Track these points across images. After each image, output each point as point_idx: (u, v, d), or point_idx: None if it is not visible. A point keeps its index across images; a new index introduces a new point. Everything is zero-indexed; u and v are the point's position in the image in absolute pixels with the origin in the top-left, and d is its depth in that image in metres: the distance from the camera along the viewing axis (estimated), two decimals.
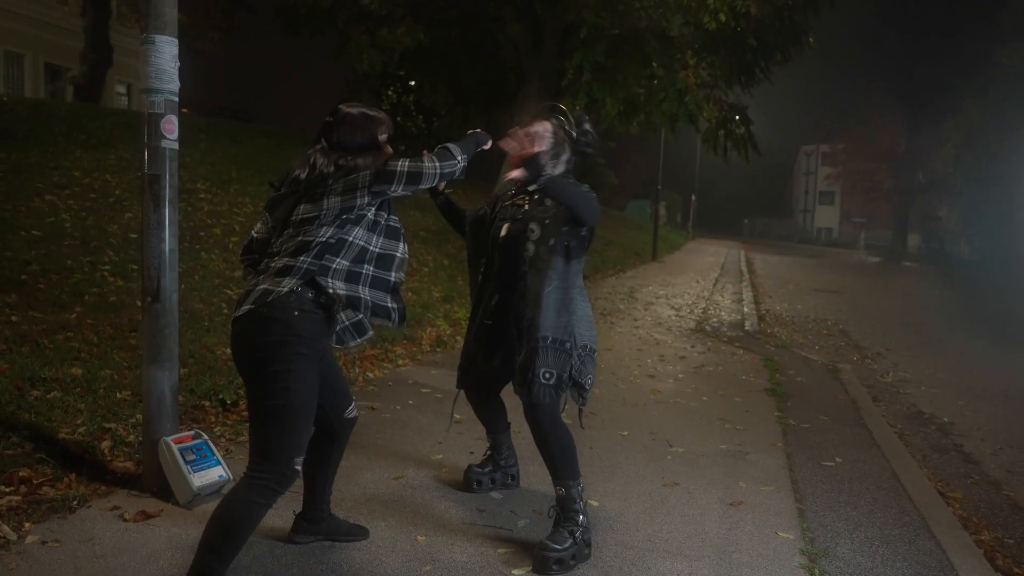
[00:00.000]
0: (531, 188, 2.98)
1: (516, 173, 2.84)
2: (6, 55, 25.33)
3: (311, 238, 2.34)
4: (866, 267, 27.10)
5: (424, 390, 5.27)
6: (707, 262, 21.92)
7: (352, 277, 2.39)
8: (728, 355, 7.65)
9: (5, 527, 2.75)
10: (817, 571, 2.93)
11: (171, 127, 3.12)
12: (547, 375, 2.81)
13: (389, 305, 2.46)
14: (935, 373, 7.89)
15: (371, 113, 2.52)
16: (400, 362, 6.00)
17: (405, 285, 8.42)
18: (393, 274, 2.48)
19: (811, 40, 13.11)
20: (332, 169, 2.35)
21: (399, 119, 27.09)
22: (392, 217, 2.50)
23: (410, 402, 4.95)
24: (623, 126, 14.16)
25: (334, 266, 2.35)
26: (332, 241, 2.34)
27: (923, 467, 4.65)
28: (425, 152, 2.48)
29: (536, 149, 2.87)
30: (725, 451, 4.41)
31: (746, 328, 9.78)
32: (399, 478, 3.62)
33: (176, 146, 3.17)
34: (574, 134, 3.01)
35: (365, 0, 12.11)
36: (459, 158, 2.49)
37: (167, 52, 3.08)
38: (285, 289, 2.28)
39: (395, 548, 2.89)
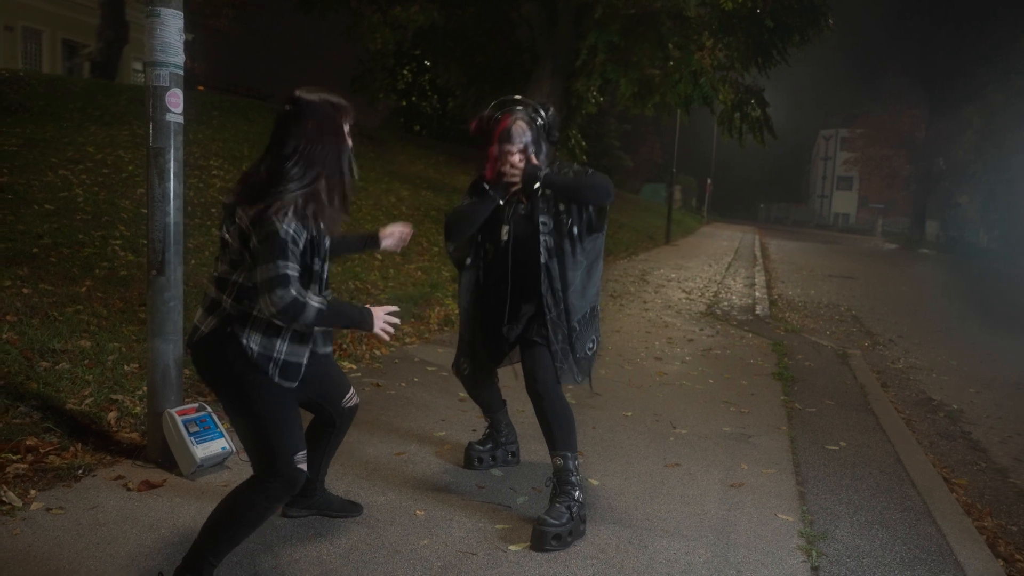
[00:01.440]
0: (534, 188, 2.95)
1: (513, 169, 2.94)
2: (25, 31, 25.45)
3: (230, 275, 2.21)
4: (883, 254, 26.86)
5: (430, 368, 5.29)
6: (721, 246, 21.79)
7: (272, 329, 2.19)
8: (737, 339, 7.62)
9: (11, 494, 2.80)
10: (815, 553, 2.93)
11: (176, 100, 3.12)
12: (590, 347, 3.04)
13: (302, 362, 2.27)
14: (947, 361, 7.83)
15: (334, 101, 2.27)
16: (407, 340, 6.02)
17: (415, 264, 8.46)
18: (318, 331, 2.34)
19: (830, 22, 12.93)
20: (247, 222, 2.12)
21: (414, 99, 27.03)
22: (315, 260, 2.23)
23: (415, 380, 4.97)
24: (637, 108, 14.05)
25: (254, 313, 2.17)
26: (249, 285, 2.16)
27: (929, 453, 4.62)
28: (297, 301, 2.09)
29: (532, 158, 2.96)
30: (728, 433, 4.41)
31: (757, 312, 9.73)
32: (401, 454, 3.64)
33: (181, 119, 3.18)
34: (545, 123, 3.03)
35: None
36: (310, 325, 2.15)
37: (172, 25, 3.08)
38: (207, 331, 2.21)
39: (393, 522, 2.91)
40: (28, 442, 3.19)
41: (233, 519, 2.21)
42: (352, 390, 2.74)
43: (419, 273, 8.24)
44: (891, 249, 30.13)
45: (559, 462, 2.91)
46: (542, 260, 2.95)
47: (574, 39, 13.14)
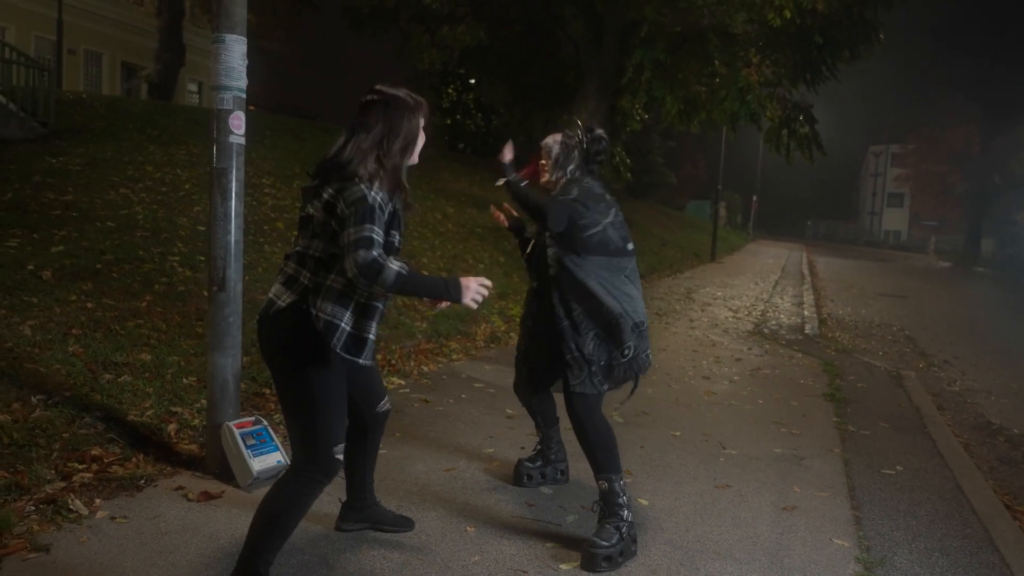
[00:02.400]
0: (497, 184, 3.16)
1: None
2: (86, 54, 26.49)
3: (309, 249, 2.31)
4: (936, 272, 26.17)
5: (477, 385, 5.32)
6: (767, 264, 21.49)
7: (344, 299, 2.26)
8: (786, 358, 7.50)
9: (78, 502, 2.90)
10: None
11: (238, 123, 3.23)
12: (625, 353, 2.91)
13: (367, 337, 2.31)
14: (1006, 383, 7.59)
15: (415, 95, 2.44)
16: (454, 357, 6.06)
17: None
18: (387, 303, 2.40)
19: (881, 37, 12.74)
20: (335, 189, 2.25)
21: (458, 117, 27.31)
22: (396, 234, 2.35)
23: (463, 396, 5.01)
24: (683, 125, 14.01)
25: (328, 283, 2.26)
26: (325, 257, 2.27)
27: (989, 479, 4.48)
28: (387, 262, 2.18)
29: (545, 163, 3.16)
30: (780, 455, 4.34)
31: (806, 332, 9.56)
32: (450, 470, 3.67)
33: (243, 141, 3.28)
34: (584, 142, 3.13)
35: None
36: (390, 288, 2.18)
37: (236, 50, 3.19)
38: (284, 304, 2.29)
39: (444, 538, 2.94)
40: (93, 452, 3.30)
41: (277, 511, 2.28)
42: (387, 397, 2.84)
43: None
44: (944, 267, 29.34)
45: (604, 485, 2.90)
46: (551, 272, 3.00)
47: (620, 57, 13.17)
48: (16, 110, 9.80)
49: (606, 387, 2.94)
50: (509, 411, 4.73)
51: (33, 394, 3.63)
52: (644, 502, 3.45)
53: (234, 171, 3.25)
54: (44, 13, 23.69)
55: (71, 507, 2.86)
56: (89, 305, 4.84)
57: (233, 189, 3.25)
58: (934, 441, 4.89)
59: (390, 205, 2.28)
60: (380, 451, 3.76)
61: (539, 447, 3.60)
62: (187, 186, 8.41)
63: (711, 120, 13.52)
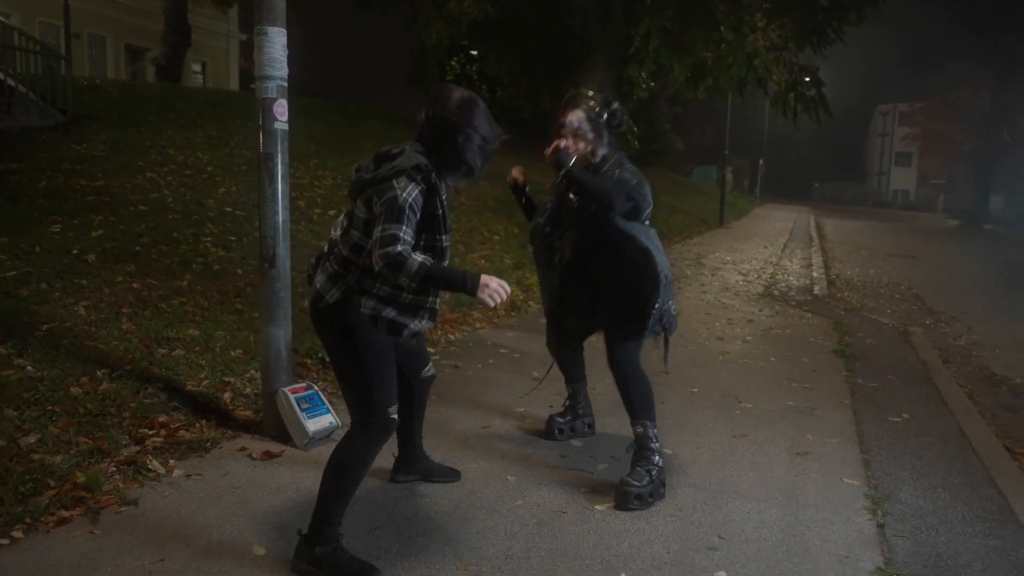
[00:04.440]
0: (559, 175, 3.18)
1: (551, 150, 3.16)
2: (90, 38, 26.56)
3: (354, 255, 2.46)
4: (945, 231, 26.23)
5: (502, 350, 5.59)
6: (775, 227, 21.62)
7: (388, 301, 2.48)
8: (796, 319, 7.74)
9: (155, 463, 3.20)
10: (880, 512, 3.14)
11: (282, 110, 3.47)
12: (674, 307, 3.19)
13: (410, 325, 2.53)
14: (1011, 337, 7.81)
15: (469, 96, 2.54)
16: (478, 325, 6.34)
17: (478, 252, 8.78)
18: (429, 299, 2.55)
19: None
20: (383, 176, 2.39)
21: None
22: (441, 237, 2.50)
23: (490, 361, 5.28)
24: (690, 91, 14.12)
25: (374, 290, 2.47)
26: (369, 267, 2.41)
27: (992, 425, 4.74)
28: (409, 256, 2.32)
29: (580, 143, 3.20)
30: (793, 407, 4.61)
31: (815, 292, 9.79)
32: (486, 427, 3.96)
33: (286, 127, 3.52)
34: (604, 117, 3.26)
35: None
36: (414, 277, 2.31)
37: (278, 42, 3.42)
38: (332, 300, 2.50)
39: (488, 486, 3.22)
40: (160, 419, 3.59)
41: (344, 468, 2.51)
42: (431, 363, 3.09)
43: (483, 262, 8.55)
44: (953, 226, 29.36)
45: (639, 430, 3.19)
46: (598, 237, 3.20)
47: (626, 26, 13.25)
48: (36, 99, 10.02)
49: (645, 336, 3.19)
50: (535, 373, 5.00)
51: (97, 368, 3.91)
52: (668, 451, 3.73)
53: (279, 155, 3.49)
54: None
55: (150, 467, 3.15)
56: (135, 285, 5.12)
57: (280, 172, 3.49)
58: (939, 391, 5.15)
59: (427, 205, 2.40)
60: None
61: (568, 402, 3.87)
62: (210, 168, 8.65)
63: (718, 86, 13.62)
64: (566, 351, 3.74)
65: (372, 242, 2.35)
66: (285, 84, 3.49)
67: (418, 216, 2.39)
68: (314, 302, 2.58)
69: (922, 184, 52.79)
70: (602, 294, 3.28)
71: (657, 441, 3.19)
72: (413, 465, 3.20)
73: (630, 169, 3.23)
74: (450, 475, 3.27)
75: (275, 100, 3.44)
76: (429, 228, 2.46)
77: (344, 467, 2.52)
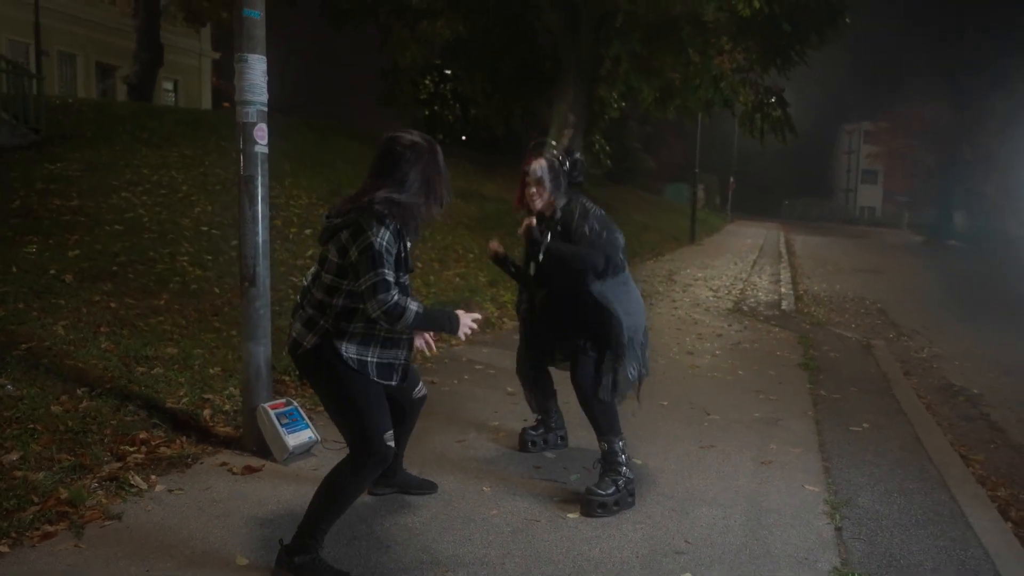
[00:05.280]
0: (538, 256, 3.39)
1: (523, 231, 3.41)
2: (60, 56, 26.36)
3: (328, 297, 2.56)
4: (910, 246, 26.89)
5: (477, 366, 5.71)
6: (746, 244, 22.02)
7: (367, 339, 2.57)
8: (764, 333, 7.95)
9: (137, 478, 3.26)
10: (838, 516, 3.30)
11: (262, 134, 3.57)
12: (632, 371, 3.35)
13: (396, 363, 2.66)
14: (970, 349, 8.09)
15: (428, 139, 2.65)
16: (453, 342, 6.43)
17: (452, 270, 8.89)
18: (404, 335, 2.65)
19: (847, 20, 13.18)
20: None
21: (436, 108, 27.54)
22: (406, 276, 2.60)
23: (465, 377, 5.40)
24: (659, 112, 14.42)
25: (350, 330, 2.55)
26: (344, 309, 2.53)
27: (948, 433, 4.94)
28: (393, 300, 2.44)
29: (545, 192, 3.37)
30: (758, 418, 4.77)
31: (783, 308, 10.04)
32: (462, 441, 4.06)
33: (266, 150, 3.63)
34: (566, 166, 3.41)
35: None
36: (410, 325, 2.48)
37: (258, 68, 3.53)
38: (309, 346, 2.58)
39: (465, 496, 3.33)
40: (141, 436, 3.65)
41: (336, 493, 2.60)
42: (421, 383, 3.16)
43: (457, 279, 8.67)
44: (918, 241, 30.11)
45: (605, 446, 3.35)
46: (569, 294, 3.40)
47: (596, 46, 13.53)
48: (8, 117, 9.99)
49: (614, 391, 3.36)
50: (509, 389, 5.12)
51: (77, 387, 3.96)
52: (639, 462, 3.86)
53: (260, 177, 3.60)
54: (16, 16, 23.58)
55: (132, 483, 3.22)
56: (112, 304, 5.16)
57: (260, 194, 3.59)
58: (898, 401, 5.35)
59: (397, 247, 2.51)
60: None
61: (539, 417, 3.99)
62: (184, 188, 8.69)
63: (686, 107, 13.94)
64: (535, 374, 3.85)
65: (364, 292, 2.44)
66: (265, 109, 3.60)
67: (393, 256, 2.50)
68: (292, 349, 2.66)
69: (888, 200, 53.97)
70: (571, 331, 3.43)
71: (624, 454, 3.34)
72: (392, 479, 3.29)
73: (597, 215, 3.34)
74: (427, 487, 3.37)
75: (255, 124, 3.54)
76: (396, 268, 2.55)
77: (339, 490, 2.59)
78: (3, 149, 9.37)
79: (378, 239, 2.46)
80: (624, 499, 3.27)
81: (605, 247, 3.27)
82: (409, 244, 2.63)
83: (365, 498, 3.25)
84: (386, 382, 2.65)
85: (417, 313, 2.47)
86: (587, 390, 3.35)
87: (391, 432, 2.65)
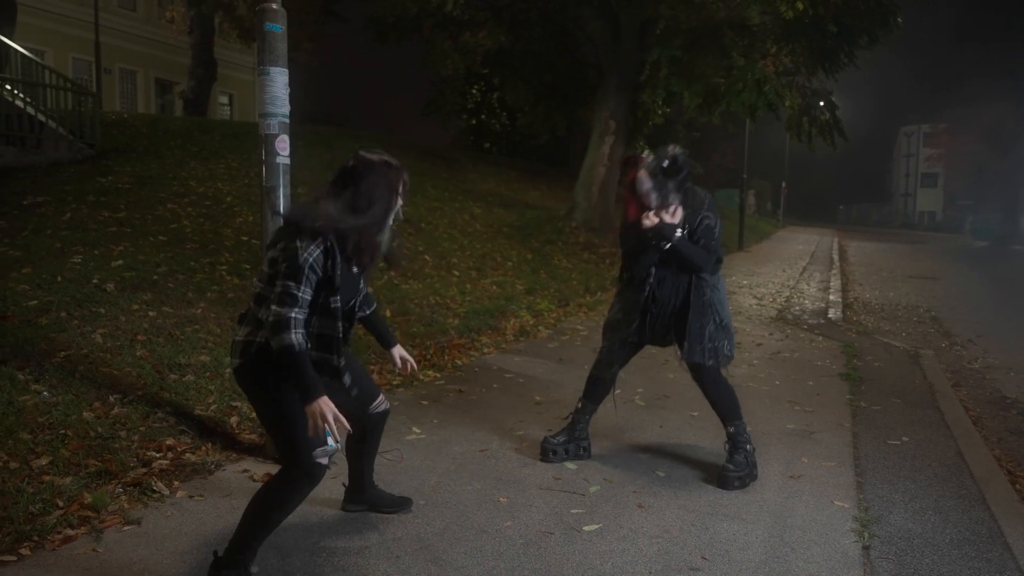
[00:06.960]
0: (663, 245, 3.60)
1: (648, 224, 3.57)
2: (121, 72, 27.42)
3: (256, 306, 2.50)
4: (971, 252, 25.91)
5: (507, 375, 5.68)
6: (796, 250, 21.53)
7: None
8: (806, 342, 7.75)
9: (160, 484, 3.32)
10: (867, 534, 3.17)
11: (284, 145, 3.62)
12: (728, 348, 3.78)
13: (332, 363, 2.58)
14: None
15: (391, 162, 2.61)
16: (485, 350, 6.44)
17: (490, 278, 8.90)
18: (334, 358, 2.59)
19: (899, 21, 12.78)
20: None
21: (483, 117, 27.73)
22: (333, 299, 2.52)
23: (495, 386, 5.37)
24: (704, 117, 14.20)
25: None
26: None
27: (995, 448, 4.73)
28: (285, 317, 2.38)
29: (654, 200, 3.55)
30: (791, 430, 4.63)
31: (829, 316, 9.76)
32: (484, 450, 4.04)
33: (288, 161, 3.68)
34: (664, 165, 3.53)
35: (449, 7, 12.59)
36: (278, 350, 2.37)
37: (279, 81, 3.58)
38: (240, 339, 2.53)
39: (480, 507, 3.31)
40: (167, 442, 3.73)
41: (266, 506, 2.54)
42: (381, 397, 3.03)
43: (494, 288, 8.67)
44: (980, 247, 29.00)
45: (731, 428, 3.73)
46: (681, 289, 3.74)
47: (638, 53, 13.42)
48: (65, 134, 10.40)
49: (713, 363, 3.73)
50: (537, 398, 5.09)
51: (110, 394, 4.07)
52: (662, 474, 3.78)
53: (281, 188, 3.64)
54: (80, 35, 24.63)
55: (154, 488, 3.28)
56: (151, 313, 5.30)
57: (282, 205, 3.64)
58: (942, 414, 5.14)
59: (326, 268, 2.44)
60: (419, 436, 4.19)
61: (568, 421, 3.96)
62: (228, 199, 8.90)
63: (730, 111, 13.69)
64: (613, 369, 3.91)
65: (272, 295, 2.40)
66: (287, 120, 3.65)
67: (318, 276, 2.44)
68: (231, 357, 2.61)
69: (949, 205, 52.23)
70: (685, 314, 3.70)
71: (746, 433, 3.76)
72: (361, 495, 3.19)
73: (711, 204, 3.64)
74: (401, 504, 3.23)
75: (277, 136, 3.60)
76: (323, 288, 2.49)
77: (268, 506, 2.53)
78: (60, 164, 9.75)
79: (304, 254, 2.41)
80: (751, 473, 3.68)
81: (716, 249, 3.63)
82: (357, 268, 2.60)
83: (337, 513, 3.25)
84: (332, 376, 2.59)
85: (291, 346, 2.34)
86: (708, 378, 3.70)
87: (324, 448, 2.56)
